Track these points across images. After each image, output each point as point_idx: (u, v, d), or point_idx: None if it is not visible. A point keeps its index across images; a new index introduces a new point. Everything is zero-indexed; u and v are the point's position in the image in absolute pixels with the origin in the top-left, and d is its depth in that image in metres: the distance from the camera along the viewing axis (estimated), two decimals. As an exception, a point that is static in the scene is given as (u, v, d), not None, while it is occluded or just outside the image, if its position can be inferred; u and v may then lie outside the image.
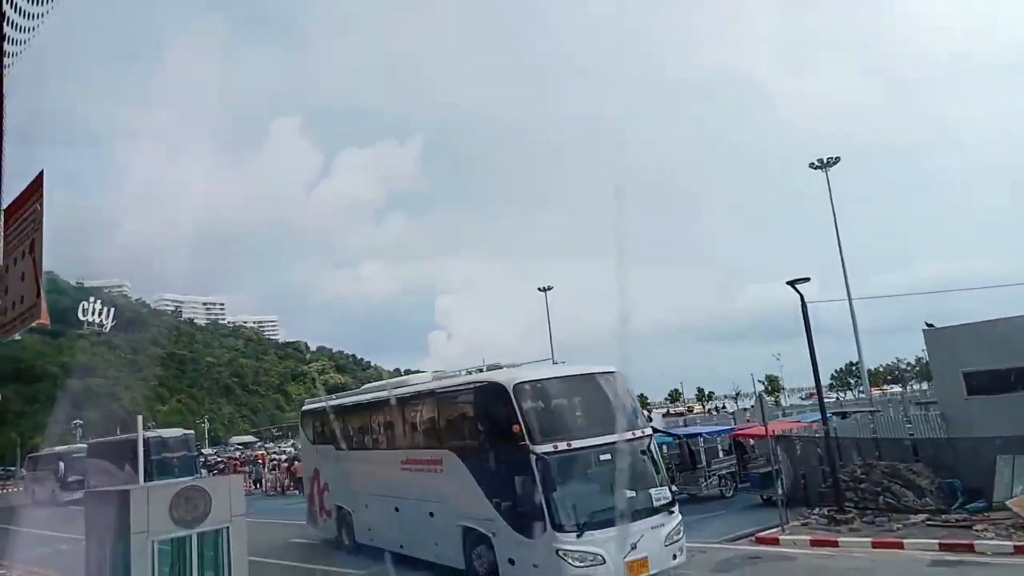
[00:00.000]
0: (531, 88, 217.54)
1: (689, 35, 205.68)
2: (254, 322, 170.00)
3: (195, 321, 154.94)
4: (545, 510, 8.95)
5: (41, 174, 3.39)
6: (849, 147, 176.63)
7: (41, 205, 3.30)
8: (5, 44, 2.74)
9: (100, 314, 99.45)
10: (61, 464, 32.67)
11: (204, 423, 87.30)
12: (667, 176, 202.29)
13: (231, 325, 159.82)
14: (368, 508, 13.74)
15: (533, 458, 9.16)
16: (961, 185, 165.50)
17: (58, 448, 36.76)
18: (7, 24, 2.73)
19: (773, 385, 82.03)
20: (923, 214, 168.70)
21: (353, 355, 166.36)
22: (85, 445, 35.72)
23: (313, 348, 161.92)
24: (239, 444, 79.46)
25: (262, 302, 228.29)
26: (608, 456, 9.64)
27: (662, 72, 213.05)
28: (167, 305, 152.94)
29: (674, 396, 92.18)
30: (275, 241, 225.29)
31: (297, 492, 27.58)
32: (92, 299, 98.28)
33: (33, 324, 3.32)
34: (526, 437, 9.29)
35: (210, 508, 6.46)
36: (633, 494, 9.61)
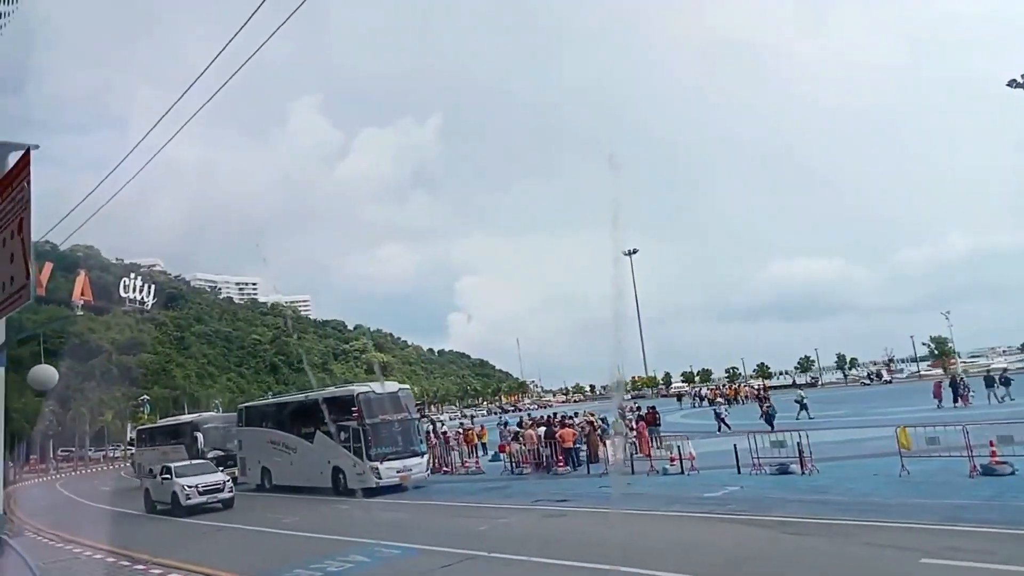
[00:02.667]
0: (546, 57, 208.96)
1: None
2: (287, 301, 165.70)
3: (233, 300, 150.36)
4: None
5: (27, 152, 3.13)
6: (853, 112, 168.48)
7: (29, 184, 3.05)
8: None
9: (141, 291, 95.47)
10: (199, 436, 26.90)
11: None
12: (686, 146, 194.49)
13: (268, 304, 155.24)
14: None
15: None
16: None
17: (188, 416, 31.55)
18: None
19: (941, 348, 72.23)
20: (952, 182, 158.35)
21: (390, 333, 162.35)
22: (221, 412, 30.57)
23: (351, 327, 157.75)
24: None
25: (288, 282, 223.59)
26: None
27: (682, 38, 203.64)
28: (202, 284, 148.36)
29: (804, 365, 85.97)
30: (299, 222, 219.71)
31: (569, 468, 20.58)
32: (133, 275, 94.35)
33: (22, 304, 3.04)
34: None
35: None
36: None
